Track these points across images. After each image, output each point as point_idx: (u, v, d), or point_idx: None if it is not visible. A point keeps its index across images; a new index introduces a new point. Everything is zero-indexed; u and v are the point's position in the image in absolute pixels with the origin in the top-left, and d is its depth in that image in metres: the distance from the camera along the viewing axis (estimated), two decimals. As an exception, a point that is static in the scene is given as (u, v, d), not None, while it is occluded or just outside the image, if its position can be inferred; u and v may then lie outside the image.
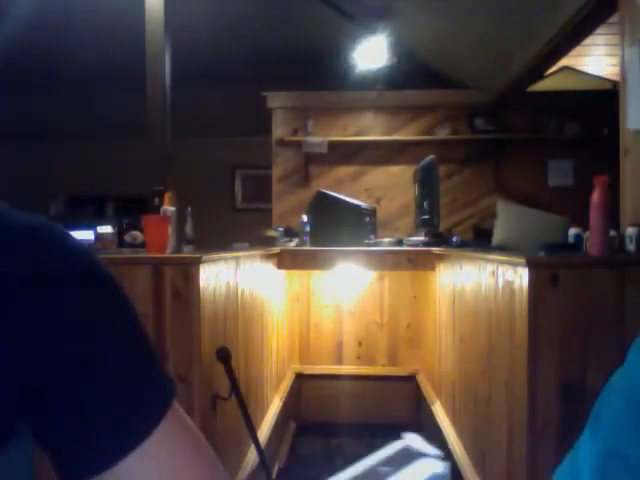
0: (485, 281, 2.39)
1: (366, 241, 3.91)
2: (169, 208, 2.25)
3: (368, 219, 4.07)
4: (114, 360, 0.49)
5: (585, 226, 2.05)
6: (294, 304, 4.54)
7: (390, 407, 4.45)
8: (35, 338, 0.46)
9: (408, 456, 0.28)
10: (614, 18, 2.86)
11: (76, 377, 0.47)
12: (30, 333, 0.46)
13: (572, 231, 2.37)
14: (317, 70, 4.80)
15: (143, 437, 0.48)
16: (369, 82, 5.07)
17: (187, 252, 2.29)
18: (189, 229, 2.60)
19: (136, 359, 0.52)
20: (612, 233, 2.00)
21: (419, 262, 3.71)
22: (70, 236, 0.52)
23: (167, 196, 2.34)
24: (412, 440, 0.29)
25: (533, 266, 1.78)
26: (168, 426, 0.49)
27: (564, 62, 4.51)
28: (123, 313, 0.52)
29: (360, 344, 4.54)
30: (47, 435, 0.48)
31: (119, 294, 0.52)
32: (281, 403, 3.70)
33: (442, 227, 4.09)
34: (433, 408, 3.64)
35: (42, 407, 0.47)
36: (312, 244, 3.89)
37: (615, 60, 4.10)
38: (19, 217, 0.50)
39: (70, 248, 0.51)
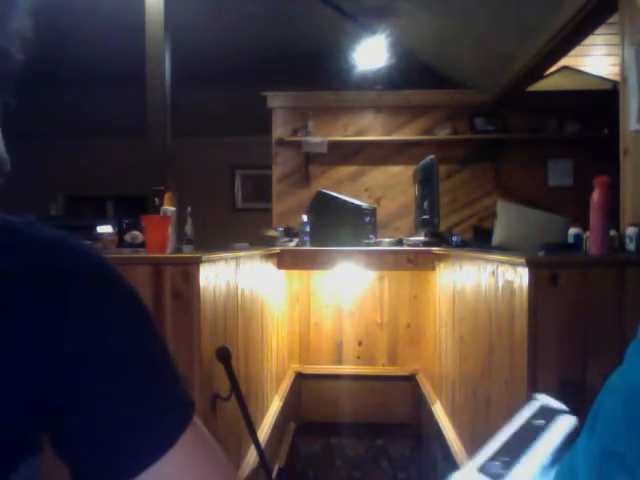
0: (485, 281, 2.39)
1: (366, 241, 3.91)
2: (169, 208, 2.25)
3: (368, 219, 4.07)
4: (129, 366, 0.49)
5: (585, 226, 2.05)
6: (294, 304, 4.54)
7: (390, 407, 4.45)
8: (43, 339, 0.46)
9: (548, 412, 0.33)
10: (614, 18, 2.86)
11: (95, 385, 0.47)
12: (48, 335, 0.46)
13: (572, 231, 2.37)
14: (317, 70, 4.80)
15: (164, 450, 0.48)
16: (369, 82, 5.07)
17: (187, 252, 2.29)
18: (189, 229, 2.60)
19: (155, 368, 0.51)
20: (612, 233, 2.00)
21: (419, 262, 3.71)
22: (83, 242, 0.52)
23: (167, 196, 2.34)
24: (545, 399, 0.34)
25: (533, 266, 1.78)
26: (188, 439, 0.50)
27: (564, 62, 4.51)
28: (137, 316, 0.52)
29: (360, 344, 4.54)
30: (65, 448, 0.48)
31: (135, 297, 0.53)
32: (281, 403, 3.70)
33: (442, 227, 4.09)
34: (433, 408, 3.64)
35: (60, 418, 0.47)
36: (312, 244, 3.89)
37: (615, 60, 4.10)
38: (40, 229, 0.51)
39: (87, 252, 0.52)
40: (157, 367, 0.52)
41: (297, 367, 4.52)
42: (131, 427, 0.48)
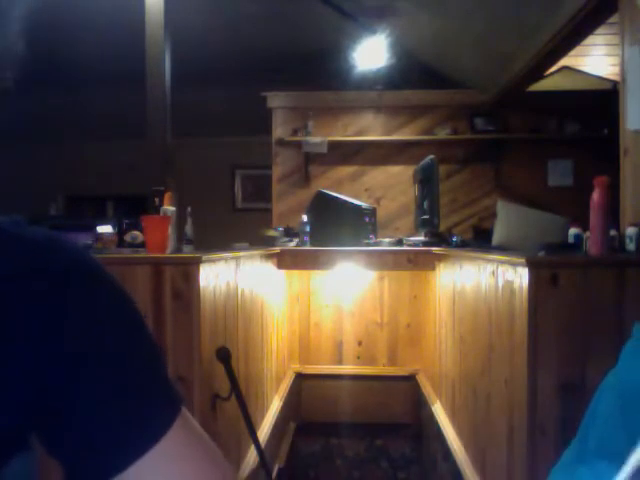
0: (485, 281, 2.39)
1: (366, 241, 3.91)
2: (169, 208, 2.25)
3: (368, 219, 4.07)
4: (121, 364, 0.49)
5: (585, 226, 2.05)
6: (294, 304, 4.54)
7: (390, 407, 4.45)
8: (38, 340, 0.46)
9: None
10: (614, 18, 2.86)
11: (92, 385, 0.47)
12: (45, 336, 0.46)
13: (572, 231, 2.37)
14: (317, 70, 4.80)
15: (152, 443, 0.48)
16: (369, 82, 5.07)
17: (187, 252, 2.29)
18: (189, 229, 2.60)
19: (145, 365, 0.52)
20: (612, 233, 2.00)
21: (419, 262, 3.71)
22: (73, 242, 0.52)
23: (167, 196, 2.33)
24: None
25: (533, 266, 1.78)
26: (177, 432, 0.50)
27: (564, 62, 4.51)
28: (128, 315, 0.52)
29: (360, 344, 4.54)
30: (58, 446, 0.49)
31: (126, 296, 0.53)
32: (281, 403, 3.70)
33: (442, 227, 4.09)
34: (433, 408, 3.64)
35: (48, 417, 0.47)
36: (312, 244, 3.89)
37: (615, 60, 4.10)
38: (27, 229, 0.50)
39: (74, 251, 0.51)
40: (149, 365, 0.52)
41: (297, 367, 4.52)
42: (122, 423, 0.48)
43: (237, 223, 6.46)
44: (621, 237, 2.08)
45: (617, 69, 3.00)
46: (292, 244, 4.00)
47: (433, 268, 3.74)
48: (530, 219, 2.90)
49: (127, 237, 2.57)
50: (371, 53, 4.64)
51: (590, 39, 3.74)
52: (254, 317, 3.00)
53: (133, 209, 3.96)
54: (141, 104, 3.71)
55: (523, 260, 1.81)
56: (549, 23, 3.38)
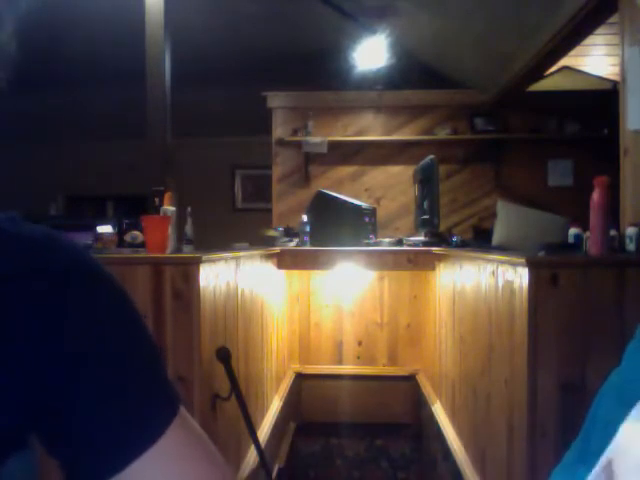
0: (485, 281, 2.39)
1: (366, 241, 3.91)
2: (169, 208, 2.25)
3: (368, 219, 4.07)
4: (121, 364, 0.49)
5: (585, 226, 2.05)
6: (294, 304, 4.54)
7: (390, 407, 4.45)
8: (38, 340, 0.46)
9: None
10: (614, 18, 2.86)
11: (92, 385, 0.47)
12: (46, 336, 0.46)
13: (572, 231, 2.37)
14: (317, 70, 4.80)
15: (151, 443, 0.48)
16: (369, 82, 5.08)
17: (187, 252, 2.29)
18: (189, 229, 2.60)
19: (144, 365, 0.52)
20: (612, 233, 2.00)
21: (419, 262, 3.71)
22: (72, 241, 0.52)
23: (167, 196, 2.33)
24: None
25: (533, 266, 1.78)
26: (176, 432, 0.50)
27: (564, 62, 4.51)
28: (128, 315, 0.52)
29: (360, 344, 4.54)
30: (57, 447, 0.49)
31: (126, 295, 0.53)
32: (281, 403, 3.70)
33: (442, 227, 4.09)
34: (433, 408, 3.64)
35: (48, 417, 0.47)
36: (312, 244, 3.89)
37: (615, 60, 4.10)
38: (25, 226, 0.50)
39: (73, 250, 0.51)
40: (148, 365, 0.52)
41: (297, 367, 4.52)
42: (122, 423, 0.48)
43: (237, 223, 6.45)
44: (621, 237, 2.08)
45: (617, 69, 3.00)
46: (292, 244, 4.00)
47: (433, 268, 3.74)
48: (530, 219, 2.90)
49: (127, 237, 2.57)
50: (371, 53, 4.64)
51: (590, 39, 3.74)
52: (254, 317, 3.00)
53: (133, 209, 3.96)
54: (141, 104, 3.71)
55: (523, 260, 1.81)
56: (549, 23, 3.38)
